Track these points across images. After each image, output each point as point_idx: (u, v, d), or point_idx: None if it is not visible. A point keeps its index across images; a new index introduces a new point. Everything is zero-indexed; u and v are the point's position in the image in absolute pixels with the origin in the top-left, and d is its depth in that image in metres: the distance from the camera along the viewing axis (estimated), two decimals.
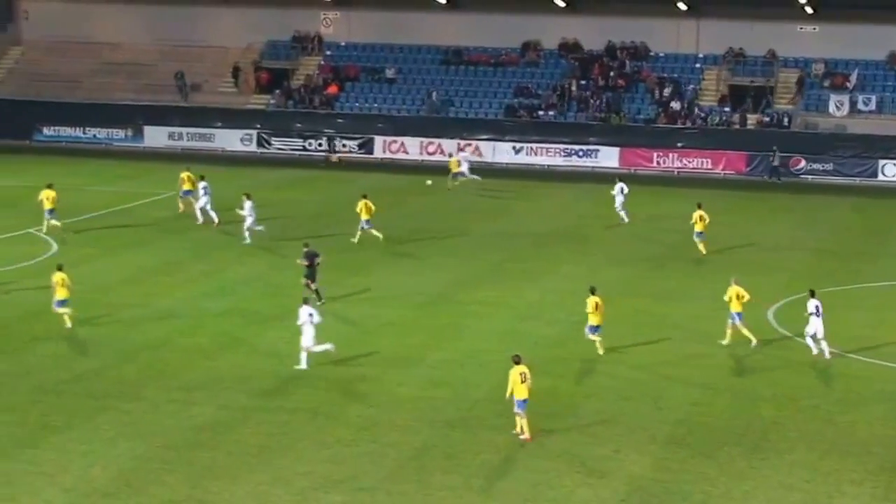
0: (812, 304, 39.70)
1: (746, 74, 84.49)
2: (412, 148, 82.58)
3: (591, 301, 39.89)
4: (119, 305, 45.24)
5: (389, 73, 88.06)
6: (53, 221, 55.87)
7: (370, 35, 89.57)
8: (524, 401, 32.80)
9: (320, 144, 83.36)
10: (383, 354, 39.91)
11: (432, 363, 38.41)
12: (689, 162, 79.92)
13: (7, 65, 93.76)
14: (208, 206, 59.14)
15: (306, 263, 45.89)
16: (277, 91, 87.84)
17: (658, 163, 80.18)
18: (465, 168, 70.86)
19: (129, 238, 56.45)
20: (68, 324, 41.89)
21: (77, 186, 66.74)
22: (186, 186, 61.23)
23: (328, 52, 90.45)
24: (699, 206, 54.68)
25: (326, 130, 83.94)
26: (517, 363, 33.07)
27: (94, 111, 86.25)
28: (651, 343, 41.54)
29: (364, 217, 55.32)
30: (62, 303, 41.91)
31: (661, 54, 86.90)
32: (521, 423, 32.84)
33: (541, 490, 29.71)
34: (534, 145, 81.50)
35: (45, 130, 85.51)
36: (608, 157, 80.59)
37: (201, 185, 59.73)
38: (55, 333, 41.53)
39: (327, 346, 38.69)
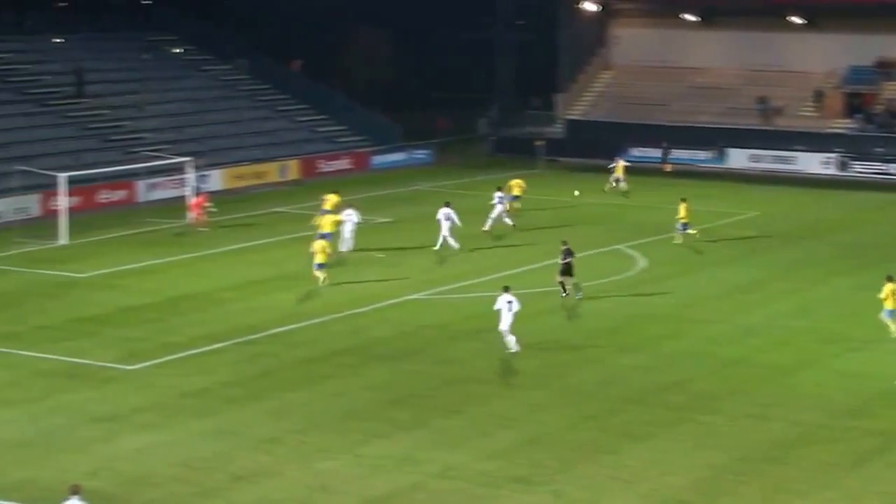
0: None
1: None
2: None
3: None
4: (703, 321, 46.24)
5: None
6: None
7: None
8: None
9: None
10: None
11: None
12: None
13: (599, 88, 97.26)
14: (503, 216, 61.04)
15: (562, 260, 47.96)
16: (859, 115, 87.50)
17: None
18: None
19: (713, 256, 57.31)
20: (324, 282, 49.17)
21: (660, 205, 68.99)
22: (516, 192, 64.14)
23: None
24: None
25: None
26: None
27: (679, 133, 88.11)
28: None
29: (682, 220, 57.93)
30: (320, 266, 49.02)
31: None
32: None
33: None
34: None
35: (633, 151, 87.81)
36: None
37: (497, 195, 61.25)
38: (640, 345, 42.85)
39: (513, 345, 40.66)
